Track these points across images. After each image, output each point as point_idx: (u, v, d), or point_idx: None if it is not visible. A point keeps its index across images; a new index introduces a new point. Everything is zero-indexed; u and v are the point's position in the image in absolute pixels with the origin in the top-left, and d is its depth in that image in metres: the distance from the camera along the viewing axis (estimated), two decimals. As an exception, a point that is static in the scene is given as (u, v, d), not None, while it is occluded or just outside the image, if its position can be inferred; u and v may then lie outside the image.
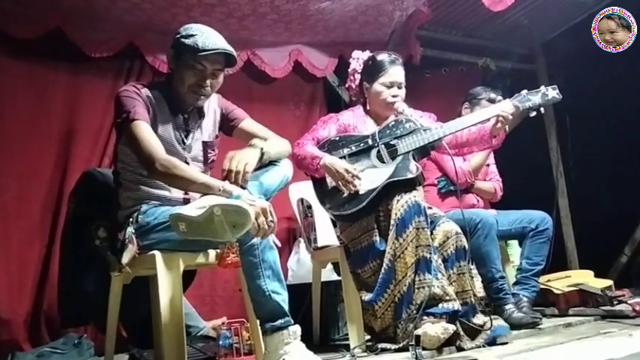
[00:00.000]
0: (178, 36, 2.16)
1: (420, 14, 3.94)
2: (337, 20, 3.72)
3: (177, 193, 2.17)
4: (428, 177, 3.19)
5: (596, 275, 3.46)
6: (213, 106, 2.34)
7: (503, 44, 4.73)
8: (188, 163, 2.21)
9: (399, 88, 2.68)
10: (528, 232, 3.09)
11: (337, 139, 2.64)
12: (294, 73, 4.06)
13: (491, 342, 2.35)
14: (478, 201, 3.24)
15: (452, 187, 3.11)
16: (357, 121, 2.73)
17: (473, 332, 2.38)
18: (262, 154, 2.11)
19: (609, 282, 3.31)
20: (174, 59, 2.18)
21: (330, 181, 2.57)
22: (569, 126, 4.53)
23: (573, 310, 3.08)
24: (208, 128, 2.32)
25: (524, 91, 2.57)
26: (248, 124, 2.37)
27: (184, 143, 2.23)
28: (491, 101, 3.24)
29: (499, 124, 2.55)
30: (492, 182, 3.37)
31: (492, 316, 2.46)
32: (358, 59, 2.79)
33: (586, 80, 4.24)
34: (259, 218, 1.88)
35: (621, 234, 4.41)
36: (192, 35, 2.12)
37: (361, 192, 2.48)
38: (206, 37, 2.13)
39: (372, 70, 2.70)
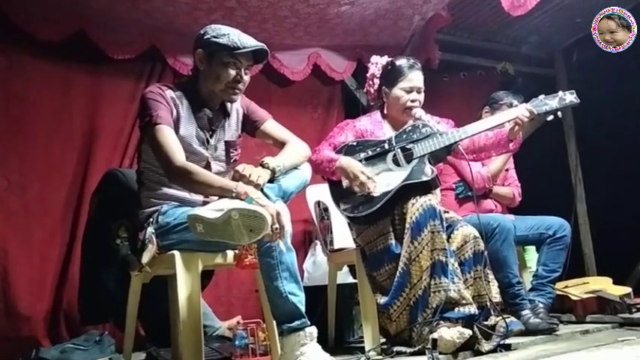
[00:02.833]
0: (208, 36, 2.18)
1: (439, 18, 3.94)
2: (356, 24, 3.73)
3: (197, 195, 2.20)
4: (446, 181, 3.20)
5: (615, 282, 3.42)
6: (235, 105, 2.36)
7: (523, 49, 4.70)
8: (210, 163, 2.24)
9: (419, 92, 2.69)
10: (546, 239, 3.07)
11: (354, 143, 2.66)
12: (313, 76, 4.07)
13: (507, 345, 2.35)
14: (496, 206, 3.23)
15: (469, 193, 3.10)
16: (374, 126, 2.74)
17: (487, 335, 2.37)
18: (273, 172, 2.10)
19: (628, 289, 3.27)
20: (207, 59, 2.19)
21: (345, 184, 2.58)
22: (589, 131, 4.49)
23: (591, 317, 3.05)
24: (231, 128, 2.35)
25: (542, 96, 2.57)
26: (270, 125, 2.39)
27: (208, 143, 2.26)
28: (511, 106, 3.22)
29: (516, 128, 2.55)
30: (511, 187, 3.36)
31: (505, 315, 2.45)
32: (377, 64, 2.81)
33: (606, 85, 4.20)
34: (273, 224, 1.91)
35: (640, 241, 4.37)
36: (224, 34, 2.16)
37: (376, 194, 2.49)
38: (239, 35, 2.18)
39: (392, 75, 2.71)
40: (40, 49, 3.22)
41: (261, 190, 2.02)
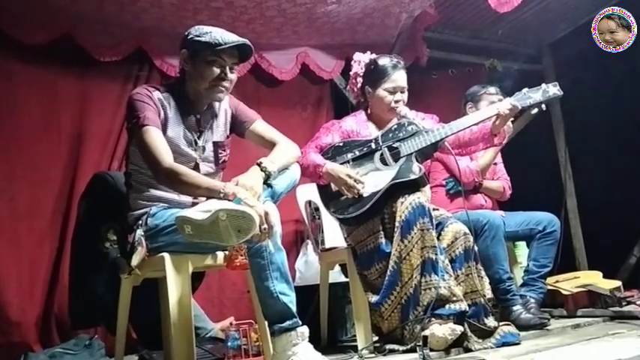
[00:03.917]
0: (191, 36, 2.18)
1: (426, 16, 3.95)
2: (344, 22, 3.74)
3: (185, 197, 2.19)
4: (436, 178, 3.21)
5: (605, 276, 3.45)
6: (224, 106, 2.36)
7: (510, 45, 4.72)
8: (199, 164, 2.24)
9: (402, 92, 2.69)
10: (536, 234, 3.08)
11: (341, 144, 2.66)
12: (301, 76, 4.07)
13: (500, 347, 2.36)
14: (486, 201, 3.24)
15: (460, 188, 3.11)
16: (359, 126, 2.74)
17: (482, 333, 2.39)
18: (268, 177, 2.09)
19: (618, 283, 3.31)
20: (190, 58, 2.19)
21: (334, 186, 2.59)
22: (578, 126, 4.52)
23: (582, 311, 3.07)
24: (219, 128, 2.34)
25: (525, 89, 2.59)
26: (260, 126, 2.38)
27: (196, 144, 2.25)
28: (491, 94, 3.25)
29: (498, 122, 2.56)
30: (501, 181, 3.37)
31: (503, 322, 2.47)
32: (360, 62, 2.78)
33: (594, 80, 4.22)
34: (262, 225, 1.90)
35: (630, 234, 4.39)
36: (206, 33, 2.16)
37: (365, 195, 2.50)
38: (221, 32, 2.18)
39: (375, 76, 2.70)
40: (26, 53, 3.20)
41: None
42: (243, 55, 2.25)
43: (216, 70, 2.18)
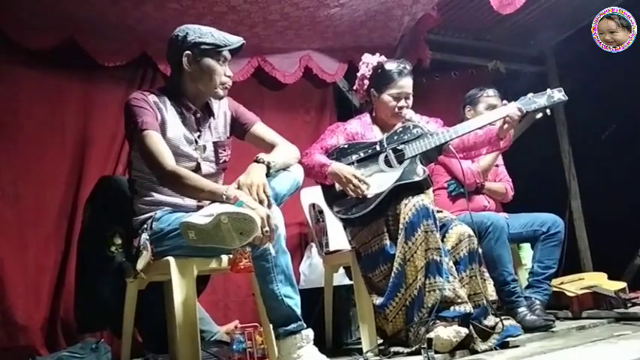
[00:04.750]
0: (192, 38, 2.19)
1: (429, 18, 3.95)
2: (346, 26, 3.74)
3: (190, 201, 2.20)
4: (438, 181, 3.21)
5: (610, 277, 3.45)
6: (223, 108, 2.38)
7: (514, 47, 4.72)
8: (200, 164, 2.25)
9: (407, 98, 2.70)
10: (540, 236, 3.08)
11: (346, 146, 2.67)
12: (305, 79, 4.08)
13: (504, 343, 2.36)
14: (489, 202, 3.25)
15: (462, 190, 3.11)
16: (364, 129, 2.76)
17: (485, 334, 2.38)
18: (269, 168, 2.12)
19: (623, 284, 3.30)
20: (196, 60, 2.21)
21: (338, 186, 2.59)
22: (581, 127, 4.51)
23: (587, 313, 3.07)
24: (219, 129, 2.35)
25: (530, 94, 2.59)
26: (259, 128, 2.40)
27: (197, 143, 2.26)
28: (489, 97, 3.25)
29: (505, 126, 2.56)
30: (503, 182, 3.38)
31: (504, 317, 2.47)
32: (367, 64, 2.79)
33: (597, 81, 4.22)
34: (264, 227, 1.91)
35: (635, 236, 4.38)
36: (207, 33, 2.21)
37: (369, 196, 2.51)
38: (218, 33, 2.24)
39: (381, 80, 2.71)
40: (30, 58, 3.21)
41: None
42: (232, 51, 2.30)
43: (222, 70, 2.23)
